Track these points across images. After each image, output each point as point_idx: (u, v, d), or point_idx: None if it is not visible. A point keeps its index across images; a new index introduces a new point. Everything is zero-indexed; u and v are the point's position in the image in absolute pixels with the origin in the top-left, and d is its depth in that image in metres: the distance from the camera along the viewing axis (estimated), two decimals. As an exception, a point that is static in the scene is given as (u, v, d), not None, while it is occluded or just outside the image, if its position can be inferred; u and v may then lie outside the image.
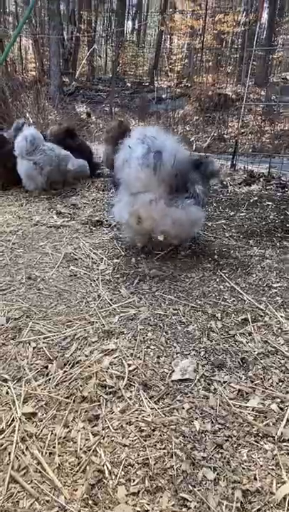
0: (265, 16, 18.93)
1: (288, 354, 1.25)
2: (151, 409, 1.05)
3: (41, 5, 14.85)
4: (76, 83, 18.53)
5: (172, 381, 1.14)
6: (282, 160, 3.52)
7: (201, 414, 1.03)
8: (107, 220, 2.32)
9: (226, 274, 1.72)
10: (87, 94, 17.88)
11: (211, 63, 18.18)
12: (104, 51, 25.28)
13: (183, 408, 1.05)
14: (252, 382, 1.14)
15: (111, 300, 1.54)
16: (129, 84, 19.51)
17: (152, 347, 1.29)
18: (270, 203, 2.40)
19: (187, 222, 1.78)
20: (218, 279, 1.68)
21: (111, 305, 1.50)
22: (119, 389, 1.12)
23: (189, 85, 16.67)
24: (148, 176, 1.67)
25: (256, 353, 1.26)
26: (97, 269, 1.78)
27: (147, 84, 19.13)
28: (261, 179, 2.94)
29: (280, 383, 1.15)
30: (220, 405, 1.06)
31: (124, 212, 1.79)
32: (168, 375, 1.16)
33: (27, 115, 5.32)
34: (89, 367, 1.20)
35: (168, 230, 1.78)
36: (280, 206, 2.33)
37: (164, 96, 16.70)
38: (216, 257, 1.86)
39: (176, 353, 1.26)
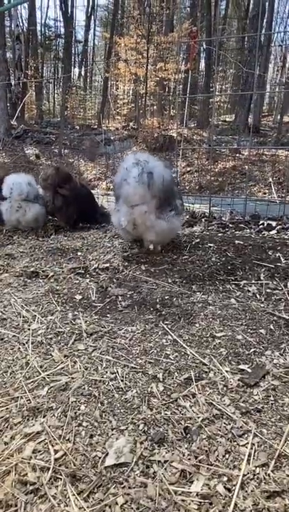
0: (203, 63, 20.55)
1: (234, 417, 1.14)
2: (79, 508, 0.88)
3: (-15, 52, 14.97)
4: (24, 126, 18.62)
5: (106, 468, 0.98)
6: (221, 200, 3.63)
7: (138, 509, 0.88)
8: (43, 271, 2.17)
9: (169, 326, 1.61)
10: (36, 136, 17.99)
11: (155, 107, 19.19)
12: (52, 96, 25.93)
13: (116, 504, 0.89)
14: (196, 458, 1.01)
15: (41, 367, 1.37)
16: (77, 127, 19.96)
17: (85, 424, 1.13)
18: (211, 245, 2.38)
19: (168, 231, 2.32)
20: (160, 332, 1.57)
21: (40, 373, 1.33)
22: (42, 485, 0.94)
23: (136, 128, 17.38)
24: (143, 191, 2.15)
25: (200, 419, 1.14)
26: (28, 330, 1.60)
27: (96, 127, 19.69)
28: (203, 219, 2.97)
29: (227, 455, 1.03)
30: (160, 494, 0.91)
31: (123, 220, 2.24)
32: (101, 460, 1.00)
33: None
34: (8, 458, 1.01)
35: (154, 238, 2.31)
36: (222, 247, 2.32)
37: (112, 138, 17.22)
38: (158, 306, 1.77)
39: (112, 429, 1.10)
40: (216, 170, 11.73)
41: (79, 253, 2.43)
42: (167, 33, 18.81)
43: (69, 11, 21.75)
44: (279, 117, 15.77)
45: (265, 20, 17.94)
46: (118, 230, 2.44)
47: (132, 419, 1.14)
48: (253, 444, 1.05)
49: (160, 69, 17.45)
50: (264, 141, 14.16)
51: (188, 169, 12.34)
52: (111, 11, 23.77)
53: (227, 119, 18.58)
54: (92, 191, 3.63)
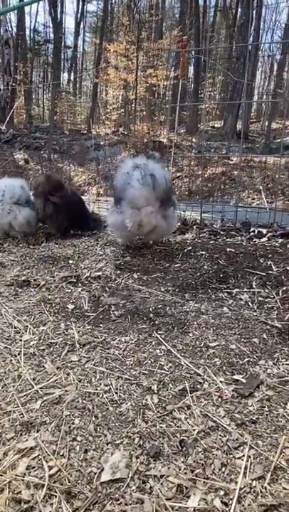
0: (191, 70, 20.77)
1: (230, 429, 1.14)
2: (75, 527, 0.87)
3: (-26, 57, 14.92)
4: (13, 131, 18.52)
5: (101, 483, 0.97)
6: (212, 207, 3.65)
7: (135, 526, 0.87)
8: (35, 280, 2.14)
9: (162, 336, 1.61)
10: (25, 141, 17.90)
11: (145, 113, 19.30)
12: (42, 101, 25.86)
13: (113, 522, 0.88)
14: (192, 471, 1.01)
15: (34, 380, 1.35)
16: (67, 132, 19.93)
17: (79, 438, 1.11)
18: (203, 252, 2.39)
19: (167, 229, 2.49)
20: (154, 342, 1.57)
21: (33, 386, 1.31)
22: (37, 503, 0.92)
23: (126, 133, 17.43)
24: (148, 193, 2.28)
25: (196, 431, 1.13)
26: (20, 341, 1.58)
27: (85, 132, 19.69)
28: (194, 227, 2.98)
29: (223, 468, 1.02)
30: (156, 510, 0.90)
31: (128, 221, 2.32)
32: (96, 476, 0.99)
33: None
34: (1, 475, 0.99)
35: (155, 236, 2.52)
36: (213, 255, 2.33)
37: (102, 143, 17.23)
38: (151, 315, 1.76)
39: (107, 444, 1.09)
40: (206, 176, 11.83)
41: (70, 261, 2.41)
42: (156, 39, 18.99)
43: (58, 16, 21.82)
44: (267, 124, 16.00)
45: (252, 29, 18.25)
46: (116, 230, 2.57)
47: (127, 432, 1.13)
48: (249, 457, 1.05)
49: (149, 75, 17.58)
50: (252, 147, 14.34)
51: (178, 175, 12.41)
52: (100, 17, 23.89)
53: (216, 125, 18.77)
54: (84, 197, 3.62)
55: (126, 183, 2.32)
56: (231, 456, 1.06)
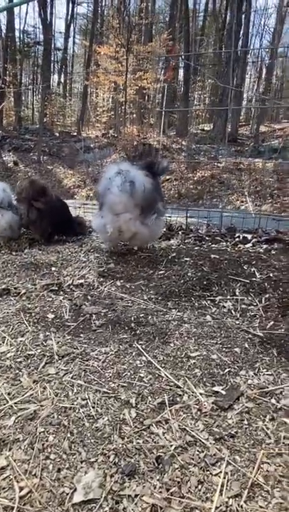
0: (181, 73, 20.85)
1: (208, 444, 1.12)
2: None
3: None
4: (2, 132, 18.37)
5: (73, 505, 0.94)
6: (198, 212, 3.65)
7: None
8: (15, 288, 2.10)
9: (143, 346, 1.58)
10: (14, 143, 17.76)
11: (134, 115, 19.30)
12: (32, 102, 25.71)
13: None
14: (167, 490, 0.98)
15: (9, 394, 1.31)
16: (57, 134, 19.84)
17: (53, 456, 1.08)
18: (188, 259, 2.37)
19: (150, 236, 2.48)
20: (134, 353, 1.54)
21: (8, 401, 1.27)
22: (6, 528, 0.89)
23: (116, 135, 17.42)
24: (126, 200, 2.28)
25: (173, 447, 1.11)
26: (-3, 353, 1.54)
27: (75, 134, 19.62)
28: (180, 232, 2.96)
29: (199, 486, 1.00)
30: (129, 533, 0.88)
31: (108, 227, 2.36)
32: (68, 497, 0.96)
33: None
34: None
35: (138, 242, 2.51)
36: (198, 262, 2.31)
37: (91, 145, 17.18)
38: (133, 325, 1.74)
39: (81, 462, 1.06)
40: (195, 178, 11.87)
41: (53, 268, 2.37)
42: (146, 42, 19.03)
43: (48, 18, 21.73)
44: (255, 127, 16.13)
45: (241, 33, 18.39)
46: (100, 234, 2.62)
47: (103, 449, 1.10)
48: (226, 473, 1.03)
49: (139, 78, 17.60)
50: (241, 150, 14.44)
51: (168, 177, 12.42)
52: (90, 20, 23.87)
53: (205, 128, 18.86)
54: (71, 200, 3.58)
55: (106, 189, 2.34)
56: (208, 472, 1.04)
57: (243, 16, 17.99)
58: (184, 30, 19.05)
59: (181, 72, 21.58)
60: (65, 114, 23.10)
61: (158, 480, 1.01)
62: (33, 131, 18.96)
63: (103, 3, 24.02)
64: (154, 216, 2.38)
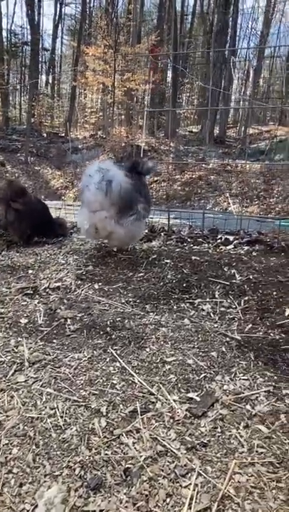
0: (170, 75, 20.90)
1: (179, 454, 1.08)
2: None
3: None
4: (-12, 133, 18.10)
5: (33, 523, 0.89)
6: (180, 213, 3.62)
7: None
8: (-10, 291, 2.04)
9: (118, 351, 1.54)
10: (1, 143, 17.54)
11: (123, 117, 19.27)
12: (19, 103, 25.46)
13: None
14: (134, 504, 0.94)
15: (-27, 404, 1.25)
16: (44, 135, 19.68)
17: (15, 470, 1.02)
18: (168, 261, 2.33)
19: (127, 237, 2.42)
20: (108, 359, 1.49)
21: (-28, 412, 1.21)
22: None
23: (104, 137, 17.35)
24: (102, 198, 2.27)
25: (143, 458, 1.06)
26: None
27: (63, 135, 19.48)
28: (162, 234, 2.93)
29: (168, 499, 0.96)
30: None
31: (86, 223, 2.40)
32: (28, 515, 0.91)
33: None
34: None
35: (116, 242, 2.48)
36: (178, 264, 2.27)
37: (79, 146, 17.09)
38: (108, 329, 1.69)
39: (45, 476, 1.01)
40: (183, 180, 11.88)
41: (30, 271, 2.31)
42: (134, 44, 19.01)
43: (36, 18, 21.55)
44: (243, 129, 16.23)
45: (228, 36, 18.52)
46: (81, 230, 2.62)
47: (69, 462, 1.05)
48: (196, 485, 0.99)
49: (128, 79, 17.56)
50: (229, 152, 14.51)
51: (156, 179, 12.41)
52: (78, 20, 23.76)
53: (194, 130, 18.92)
54: (56, 201, 3.52)
55: (85, 186, 2.36)
56: (178, 484, 1.00)
57: (230, 19, 18.13)
58: (171, 32, 19.09)
59: (169, 73, 21.61)
60: (53, 115, 22.93)
61: (125, 494, 0.97)
62: (20, 132, 18.77)
63: (91, 4, 23.95)
64: (132, 217, 2.34)
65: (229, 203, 9.19)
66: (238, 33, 21.54)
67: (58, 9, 24.97)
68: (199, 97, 23.10)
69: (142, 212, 2.42)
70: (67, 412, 1.23)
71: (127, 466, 1.04)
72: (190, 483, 0.99)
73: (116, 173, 2.31)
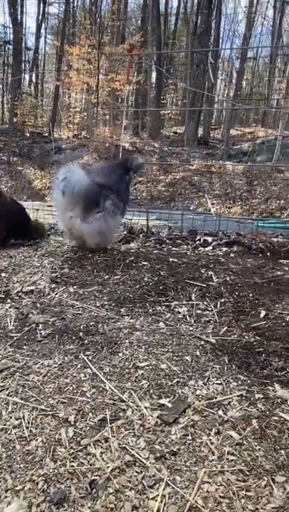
0: (154, 76, 20.93)
1: (147, 463, 1.05)
2: None
3: None
4: None
5: None
6: (160, 212, 3.61)
7: None
8: None
9: (90, 357, 1.49)
10: (-18, 143, 17.20)
11: (107, 117, 19.19)
12: (1, 102, 25.08)
13: None
14: (98, 519, 0.90)
15: None
16: (28, 134, 19.42)
17: (-25, 486, 0.97)
18: (145, 263, 2.31)
19: (95, 233, 2.45)
20: (79, 365, 1.45)
21: None
22: None
23: (88, 137, 17.23)
24: (61, 198, 2.39)
25: (110, 469, 1.03)
26: None
27: (47, 134, 19.26)
28: (141, 235, 2.89)
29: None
30: None
31: (60, 224, 2.60)
32: (-15, 535, 0.86)
33: None
34: None
35: (89, 241, 2.52)
36: (155, 266, 2.25)
37: (63, 146, 16.92)
38: (81, 334, 1.64)
39: (6, 491, 0.96)
40: (167, 180, 11.88)
41: (3, 274, 2.24)
42: (118, 44, 18.95)
43: (19, 17, 21.26)
44: (226, 131, 16.36)
45: (212, 38, 18.65)
46: (64, 234, 2.76)
47: (32, 475, 1.01)
48: (164, 496, 0.96)
49: (112, 79, 17.48)
50: (213, 153, 14.60)
51: (140, 179, 12.38)
52: (61, 20, 23.56)
53: (178, 131, 18.97)
54: (38, 202, 3.44)
55: (52, 189, 2.60)
56: (145, 496, 0.96)
57: (213, 22, 18.26)
58: (155, 34, 19.11)
59: (154, 75, 21.63)
60: (36, 115, 22.66)
61: (89, 508, 0.93)
62: (2, 131, 18.46)
63: (75, 4, 23.78)
64: (98, 214, 2.41)
65: (213, 204, 9.23)
66: (222, 35, 21.71)
67: (42, 8, 24.70)
68: (183, 98, 23.20)
69: (110, 208, 2.46)
70: (34, 422, 1.18)
71: (93, 478, 1.00)
72: (157, 494, 0.96)
73: (76, 174, 2.42)
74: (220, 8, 19.38)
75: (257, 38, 22.35)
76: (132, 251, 2.58)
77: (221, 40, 21.80)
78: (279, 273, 2.18)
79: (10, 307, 1.86)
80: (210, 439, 1.13)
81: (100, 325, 1.71)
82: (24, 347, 1.57)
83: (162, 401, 1.28)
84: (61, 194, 2.37)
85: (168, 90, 22.78)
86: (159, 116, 17.96)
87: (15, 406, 1.24)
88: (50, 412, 1.22)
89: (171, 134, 18.72)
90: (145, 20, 20.10)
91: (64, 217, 2.46)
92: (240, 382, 1.36)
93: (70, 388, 1.33)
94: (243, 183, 10.17)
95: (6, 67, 26.14)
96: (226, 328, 1.69)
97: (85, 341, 1.60)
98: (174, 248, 2.66)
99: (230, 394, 1.30)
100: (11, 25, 21.96)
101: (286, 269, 2.26)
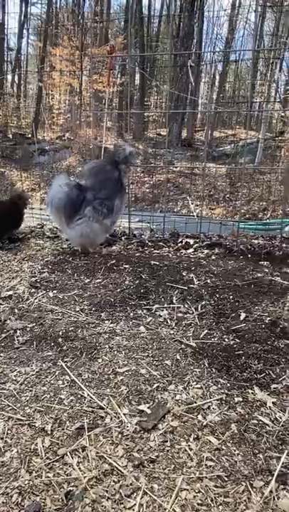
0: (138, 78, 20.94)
1: (125, 472, 1.03)
2: None
3: None
4: None
5: None
6: (142, 214, 3.60)
7: None
8: None
9: (68, 363, 1.47)
10: None
11: (91, 118, 19.10)
12: (-17, 103, 24.68)
13: None
14: (73, 532, 0.88)
15: None
16: (10, 136, 19.16)
17: None
18: (127, 266, 2.29)
19: (77, 237, 2.60)
20: (57, 372, 1.42)
21: None
22: None
23: (72, 138, 17.11)
24: (50, 212, 2.64)
25: (87, 479, 1.00)
26: None
27: (30, 136, 19.05)
28: (123, 238, 2.87)
29: (110, 523, 0.90)
30: None
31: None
32: None
33: None
34: None
35: (76, 246, 2.71)
36: (137, 269, 2.23)
37: (47, 148, 16.76)
38: (60, 340, 1.62)
39: (-22, 506, 0.93)
40: (151, 182, 11.87)
41: (-19, 279, 2.19)
42: (101, 45, 18.90)
43: (0, 17, 20.98)
44: (210, 133, 16.48)
45: (195, 40, 18.78)
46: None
47: (6, 488, 0.98)
48: (142, 505, 0.95)
49: (95, 81, 17.42)
50: (196, 154, 14.68)
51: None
52: (44, 21, 23.35)
53: (162, 133, 19.03)
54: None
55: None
56: (122, 506, 0.95)
57: (196, 25, 18.39)
58: (138, 36, 19.16)
59: (137, 77, 21.64)
60: (19, 116, 22.38)
61: (65, 520, 0.91)
62: (-16, 133, 18.16)
63: (58, 5, 23.61)
64: (80, 220, 2.53)
65: (197, 205, 9.26)
66: (204, 39, 21.88)
67: (24, 8, 24.43)
68: (167, 100, 23.27)
69: (89, 214, 2.55)
70: (9, 432, 1.15)
71: (69, 488, 0.98)
72: (135, 504, 0.95)
73: (53, 189, 2.65)
74: (202, 12, 19.54)
75: (239, 41, 22.58)
76: (114, 254, 2.56)
77: (203, 43, 21.98)
78: (259, 275, 2.19)
79: (-13, 313, 1.82)
80: (189, 445, 1.12)
81: (79, 330, 1.69)
82: (1, 354, 1.53)
83: (142, 407, 1.26)
84: (49, 209, 2.60)
85: (152, 92, 22.84)
86: (143, 118, 17.98)
87: (-10, 416, 1.21)
88: (27, 422, 1.19)
89: (156, 135, 18.76)
90: (128, 22, 20.12)
91: (59, 226, 2.76)
92: (219, 385, 1.36)
93: (48, 396, 1.31)
94: (226, 185, 10.26)
95: (-13, 68, 25.74)
96: (207, 331, 1.69)
97: (64, 347, 1.57)
98: (155, 251, 2.66)
99: (210, 398, 1.30)
100: (-8, 25, 21.65)
101: (266, 271, 2.28)
